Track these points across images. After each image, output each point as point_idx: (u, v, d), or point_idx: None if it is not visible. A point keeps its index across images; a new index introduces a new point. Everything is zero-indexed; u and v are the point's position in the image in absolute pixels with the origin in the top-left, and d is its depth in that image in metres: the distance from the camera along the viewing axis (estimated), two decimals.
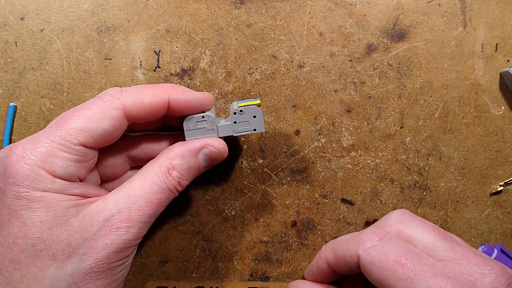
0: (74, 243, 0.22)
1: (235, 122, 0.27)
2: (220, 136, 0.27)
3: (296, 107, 0.32)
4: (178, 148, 0.26)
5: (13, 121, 0.31)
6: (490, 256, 0.30)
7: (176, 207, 0.31)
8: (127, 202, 0.24)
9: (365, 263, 0.23)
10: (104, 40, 0.31)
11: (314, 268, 0.27)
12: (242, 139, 0.32)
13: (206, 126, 0.27)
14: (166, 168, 0.25)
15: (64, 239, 0.22)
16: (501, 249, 0.31)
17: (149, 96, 0.25)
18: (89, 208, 0.23)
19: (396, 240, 0.23)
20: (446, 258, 0.23)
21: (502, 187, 0.32)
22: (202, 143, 0.26)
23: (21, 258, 0.22)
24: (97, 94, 0.31)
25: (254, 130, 0.27)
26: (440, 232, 0.24)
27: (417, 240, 0.24)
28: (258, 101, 0.27)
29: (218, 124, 0.27)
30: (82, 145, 0.23)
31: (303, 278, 0.31)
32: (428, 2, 0.32)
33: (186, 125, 0.27)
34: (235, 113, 0.27)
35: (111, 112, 0.24)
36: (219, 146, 0.26)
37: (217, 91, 0.32)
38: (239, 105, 0.27)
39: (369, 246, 0.23)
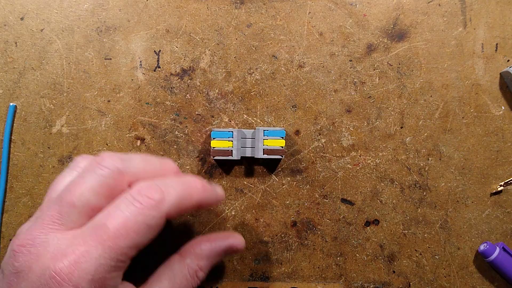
0: None
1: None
2: (243, 156, 0.31)
3: (296, 107, 0.32)
4: (206, 248, 0.27)
5: (13, 121, 0.31)
6: (492, 254, 0.31)
7: None
8: None
9: None
10: (104, 40, 0.32)
11: None
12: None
13: (231, 148, 0.29)
14: (194, 271, 0.26)
15: None
16: (503, 248, 0.31)
17: (187, 200, 0.24)
18: None
19: None
20: None
21: (502, 187, 0.32)
22: (227, 244, 0.27)
23: None
24: (96, 94, 0.31)
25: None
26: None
27: None
28: (282, 141, 0.29)
29: (242, 146, 0.30)
30: (130, 259, 0.23)
31: (302, 277, 0.32)
32: (428, 2, 0.32)
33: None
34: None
35: (157, 221, 0.23)
36: (241, 246, 0.28)
37: (217, 91, 0.32)
38: (265, 143, 0.29)
39: None
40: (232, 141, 0.29)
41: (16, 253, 0.22)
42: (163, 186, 0.23)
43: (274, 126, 0.32)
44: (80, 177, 0.23)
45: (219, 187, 0.28)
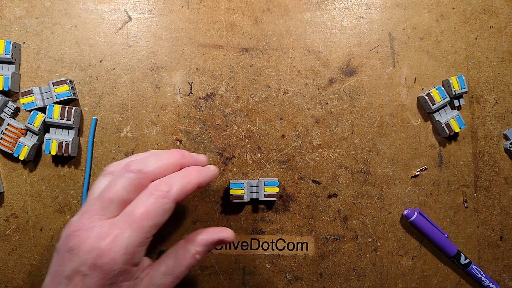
0: None
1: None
2: (251, 198, 0.39)
3: (282, 119, 0.40)
4: (203, 238, 0.30)
5: (95, 128, 0.40)
6: (412, 216, 0.38)
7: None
8: (164, 278, 0.28)
9: None
10: (155, 75, 0.40)
11: None
12: (246, 140, 0.41)
13: (243, 194, 0.38)
14: (192, 254, 0.29)
15: None
16: (419, 212, 0.39)
17: (188, 186, 0.28)
18: (143, 283, 0.27)
19: None
20: None
21: (418, 172, 0.40)
22: (219, 237, 0.30)
23: None
24: (150, 111, 0.40)
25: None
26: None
27: None
28: (277, 188, 0.38)
29: (250, 192, 0.39)
30: (152, 236, 0.26)
31: (286, 232, 0.40)
32: (370, 50, 0.42)
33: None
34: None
35: (169, 205, 0.26)
36: (230, 239, 0.31)
37: (230, 109, 0.41)
38: (265, 190, 0.38)
39: None
40: (244, 189, 0.38)
41: (70, 236, 0.25)
42: (169, 180, 0.27)
43: (267, 132, 0.41)
44: (115, 180, 0.27)
45: (213, 166, 0.31)
